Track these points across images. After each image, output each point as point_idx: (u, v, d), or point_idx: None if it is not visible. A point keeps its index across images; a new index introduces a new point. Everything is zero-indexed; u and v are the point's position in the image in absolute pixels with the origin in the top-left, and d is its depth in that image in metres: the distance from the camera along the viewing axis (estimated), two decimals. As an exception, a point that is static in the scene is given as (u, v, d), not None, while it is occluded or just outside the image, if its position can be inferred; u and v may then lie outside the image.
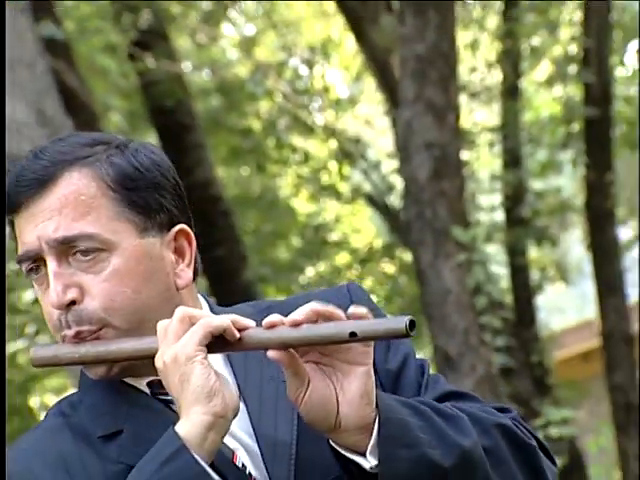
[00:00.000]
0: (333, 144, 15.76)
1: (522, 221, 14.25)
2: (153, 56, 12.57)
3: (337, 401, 2.30)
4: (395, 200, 14.57)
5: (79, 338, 2.39)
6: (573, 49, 15.41)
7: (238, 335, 2.30)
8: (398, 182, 13.56)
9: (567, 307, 22.65)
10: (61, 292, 2.36)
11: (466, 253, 9.59)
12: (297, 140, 16.07)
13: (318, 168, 16.13)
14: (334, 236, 16.38)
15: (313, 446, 2.38)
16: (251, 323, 2.32)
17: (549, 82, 16.16)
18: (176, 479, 2.19)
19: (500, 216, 14.78)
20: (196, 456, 2.21)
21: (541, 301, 16.69)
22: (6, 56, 7.47)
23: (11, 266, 15.47)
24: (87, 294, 2.38)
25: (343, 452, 2.32)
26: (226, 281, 11.96)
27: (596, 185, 14.61)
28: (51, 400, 17.81)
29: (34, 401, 17.24)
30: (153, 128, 12.76)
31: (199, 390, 2.24)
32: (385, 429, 2.30)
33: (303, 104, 15.55)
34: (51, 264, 2.38)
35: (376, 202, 15.29)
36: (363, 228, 18.39)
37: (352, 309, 2.29)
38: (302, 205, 16.78)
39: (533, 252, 15.33)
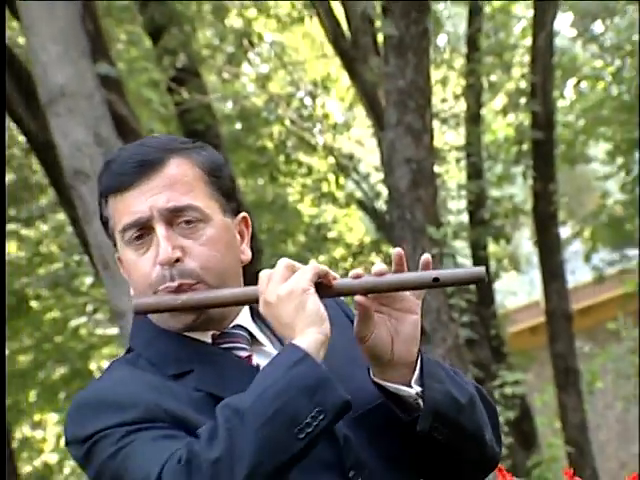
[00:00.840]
0: (331, 160, 15.74)
1: (483, 222, 14.27)
2: (187, 90, 12.57)
3: (392, 341, 2.37)
4: (381, 205, 14.55)
5: (180, 290, 2.41)
6: (523, 84, 15.42)
7: (332, 282, 2.36)
8: (383, 190, 13.54)
9: (519, 291, 22.60)
10: (170, 251, 2.39)
11: (438, 248, 9.58)
12: (302, 157, 16.05)
13: (319, 179, 16.12)
14: (332, 234, 16.37)
15: (346, 386, 2.34)
16: (337, 276, 2.39)
17: (504, 111, 16.16)
18: (301, 381, 2.20)
19: (465, 218, 14.78)
20: (318, 362, 2.24)
21: (498, 286, 16.70)
22: (70, 90, 7.50)
23: (75, 257, 15.50)
24: (187, 255, 2.42)
25: (391, 385, 2.39)
26: (244, 271, 11.95)
27: (541, 193, 14.62)
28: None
29: (93, 366, 17.22)
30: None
31: (314, 315, 2.28)
32: (426, 366, 2.39)
33: (307, 128, 15.54)
34: (161, 229, 2.41)
35: (366, 206, 15.29)
36: (355, 227, 18.37)
37: (424, 257, 2.42)
38: (306, 209, 16.77)
39: (492, 247, 15.32)
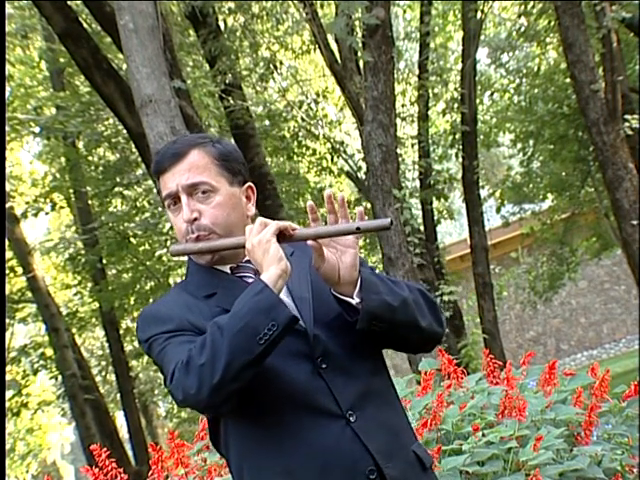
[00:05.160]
0: (328, 145, 15.64)
1: (429, 186, 14.20)
2: (232, 98, 12.46)
3: (338, 268, 2.33)
4: (362, 175, 14.47)
5: (197, 239, 2.41)
6: (456, 95, 15.31)
7: (292, 232, 2.33)
8: (363, 165, 13.47)
9: (452, 232, 22.63)
10: (190, 213, 2.40)
11: (400, 204, 9.51)
12: (309, 142, 15.97)
13: (320, 157, 16.04)
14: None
15: (319, 300, 2.39)
16: (298, 227, 2.35)
17: (443, 112, 16.07)
18: (262, 303, 2.19)
19: (417, 184, 14.74)
20: (274, 291, 2.22)
21: (439, 229, 16.67)
22: (155, 98, 7.41)
23: (159, 209, 15.44)
24: (203, 216, 2.41)
25: (341, 296, 2.35)
26: (274, 217, 11.97)
27: (468, 167, 14.55)
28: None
29: (171, 281, 17.24)
30: (232, 135, 12.63)
31: (274, 256, 2.26)
32: (365, 283, 2.34)
33: (312, 123, 15.43)
34: (184, 198, 2.42)
35: (351, 176, 15.22)
36: (344, 190, 18.33)
37: (359, 209, 2.37)
38: (312, 177, 16.69)
39: (435, 203, 15.27)
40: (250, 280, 2.41)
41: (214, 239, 2.41)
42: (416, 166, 14.66)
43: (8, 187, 16.84)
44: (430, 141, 15.17)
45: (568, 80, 14.41)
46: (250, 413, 2.29)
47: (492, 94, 17.99)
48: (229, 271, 2.46)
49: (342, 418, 2.30)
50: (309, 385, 2.31)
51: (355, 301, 2.33)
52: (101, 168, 16.30)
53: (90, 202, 17.11)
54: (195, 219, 2.41)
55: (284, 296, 2.34)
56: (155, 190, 12.93)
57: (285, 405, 2.28)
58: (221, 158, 2.48)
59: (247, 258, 2.43)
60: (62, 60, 15.48)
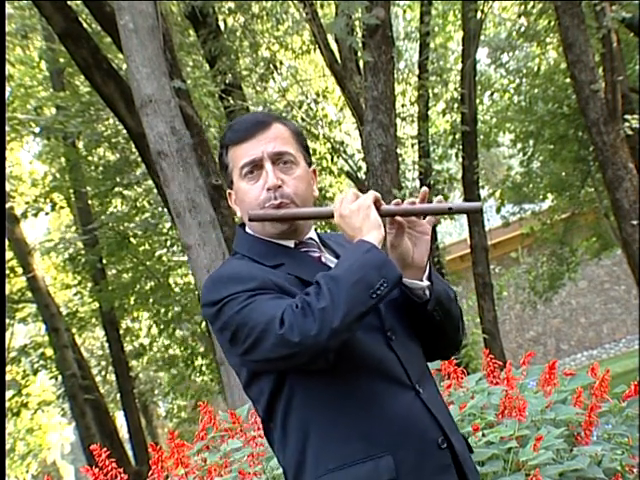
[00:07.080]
0: (328, 145, 15.63)
1: (429, 186, 14.19)
2: (232, 98, 12.45)
3: (413, 251, 2.43)
4: (362, 175, 14.46)
5: (279, 206, 2.44)
6: (456, 95, 15.31)
7: (382, 207, 2.38)
8: (363, 165, 13.46)
9: (452, 232, 22.61)
10: (276, 179, 2.44)
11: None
12: (309, 143, 15.93)
13: (320, 157, 16.01)
14: (329, 194, 16.25)
15: None
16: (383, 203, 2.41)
17: (443, 112, 16.07)
18: (374, 260, 2.25)
19: (417, 184, 14.74)
20: (381, 250, 2.30)
21: (439, 228, 16.69)
22: (155, 98, 7.40)
23: (159, 209, 15.43)
24: (284, 184, 2.45)
25: (409, 280, 2.43)
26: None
27: (468, 167, 14.57)
28: (181, 281, 17.86)
29: (171, 280, 17.22)
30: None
31: (375, 222, 2.32)
32: (431, 269, 2.46)
33: (312, 123, 15.42)
34: (268, 166, 2.45)
35: (351, 175, 15.21)
36: (344, 189, 18.29)
37: (438, 197, 2.45)
38: (312, 177, 16.66)
39: (435, 203, 15.24)
40: (315, 255, 2.51)
41: (294, 207, 2.46)
42: (416, 166, 14.66)
43: (8, 187, 16.83)
44: (430, 141, 15.17)
45: (568, 80, 14.40)
46: (325, 377, 2.31)
47: (492, 94, 18.01)
48: (293, 245, 2.51)
49: (412, 389, 2.37)
50: (383, 355, 2.37)
51: (425, 284, 2.43)
52: (101, 168, 16.29)
53: (90, 202, 17.10)
54: (279, 186, 2.45)
55: None
56: (155, 190, 12.91)
57: (360, 372, 2.33)
58: (298, 134, 2.56)
59: (309, 236, 2.52)
60: (62, 60, 15.47)
